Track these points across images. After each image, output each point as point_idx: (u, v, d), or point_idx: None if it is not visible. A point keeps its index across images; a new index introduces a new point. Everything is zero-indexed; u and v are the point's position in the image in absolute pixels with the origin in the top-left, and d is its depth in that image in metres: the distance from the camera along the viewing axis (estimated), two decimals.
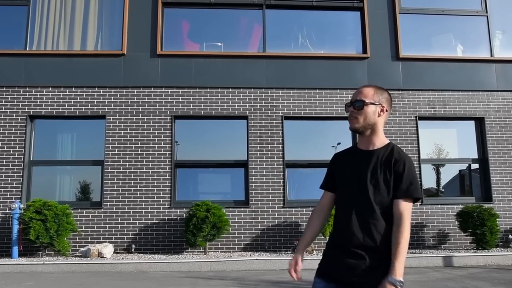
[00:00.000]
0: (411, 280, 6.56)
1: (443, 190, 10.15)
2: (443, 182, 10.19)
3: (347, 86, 9.82)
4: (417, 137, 9.77)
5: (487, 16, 10.43)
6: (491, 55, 10.26)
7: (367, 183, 2.28)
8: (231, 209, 9.17)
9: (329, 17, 10.32)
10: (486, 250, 8.75)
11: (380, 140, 2.36)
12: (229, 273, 7.29)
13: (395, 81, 9.92)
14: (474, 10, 10.48)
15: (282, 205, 9.31)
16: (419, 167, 9.64)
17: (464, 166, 10.12)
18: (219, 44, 10.03)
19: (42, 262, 7.56)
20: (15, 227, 8.22)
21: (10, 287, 6.19)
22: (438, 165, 10.08)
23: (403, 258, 2.13)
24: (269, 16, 10.04)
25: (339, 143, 9.85)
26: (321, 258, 2.45)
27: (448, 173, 10.24)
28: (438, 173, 10.11)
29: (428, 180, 9.98)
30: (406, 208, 2.22)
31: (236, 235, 9.16)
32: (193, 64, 9.65)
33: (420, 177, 9.59)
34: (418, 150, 9.73)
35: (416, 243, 9.35)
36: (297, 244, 2.56)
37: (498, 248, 9.07)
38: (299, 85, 9.75)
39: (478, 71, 10.17)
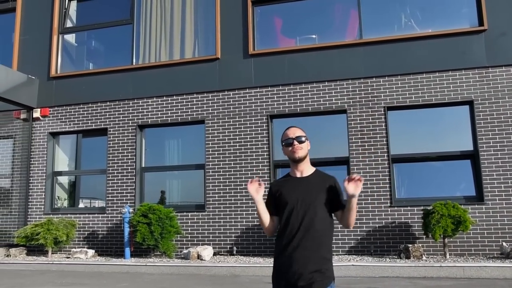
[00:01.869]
0: None
1: None
2: None
3: (460, 66, 8.54)
4: None
5: None
6: None
7: (314, 204, 2.91)
8: None
9: None
10: None
11: (310, 167, 3.07)
12: None
13: None
14: None
15: (389, 204, 8.47)
16: None
17: None
18: (313, 36, 9.55)
19: (145, 264, 8.00)
20: (126, 230, 8.86)
21: (106, 287, 6.64)
22: None
23: (355, 209, 2.91)
24: None
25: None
26: (274, 271, 2.90)
27: None
28: None
29: None
30: None
31: (340, 237, 8.59)
32: (286, 60, 9.34)
33: None
34: None
35: None
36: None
37: None
38: (402, 70, 8.78)
39: None
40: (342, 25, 9.51)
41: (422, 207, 8.14)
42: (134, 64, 10.14)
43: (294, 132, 3.06)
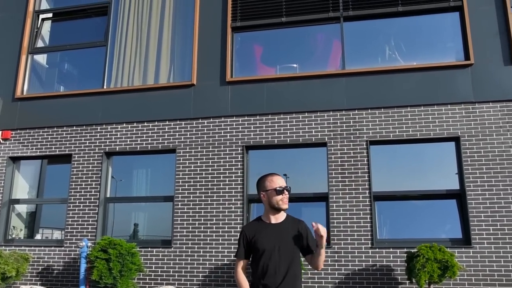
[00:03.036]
0: None
1: None
2: None
3: (446, 100, 8.14)
4: None
5: None
6: None
7: (290, 250, 3.14)
8: None
9: (420, 23, 8.81)
10: None
11: (283, 213, 3.30)
12: None
13: (511, 89, 7.97)
14: None
15: (370, 246, 7.83)
16: None
17: None
18: (294, 65, 9.14)
19: None
20: (82, 266, 8.06)
21: None
22: None
23: (323, 253, 3.18)
24: (348, 29, 8.91)
25: (456, 174, 8.06)
26: None
27: None
28: None
29: None
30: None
31: (316, 280, 7.89)
32: (265, 89, 8.87)
33: None
34: None
35: None
36: None
37: None
38: (386, 103, 8.35)
39: None
40: (324, 55, 9.13)
41: (405, 249, 7.53)
42: (105, 87, 9.59)
43: (283, 181, 3.24)
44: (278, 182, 3.23)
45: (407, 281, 7.40)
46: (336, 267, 7.88)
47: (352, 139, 8.37)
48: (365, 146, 8.28)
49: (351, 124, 8.43)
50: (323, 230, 3.08)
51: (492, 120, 7.93)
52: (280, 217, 3.28)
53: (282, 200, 3.21)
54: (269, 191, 3.21)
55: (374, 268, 7.74)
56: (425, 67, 8.34)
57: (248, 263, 3.33)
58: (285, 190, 3.20)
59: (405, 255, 7.40)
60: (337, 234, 7.99)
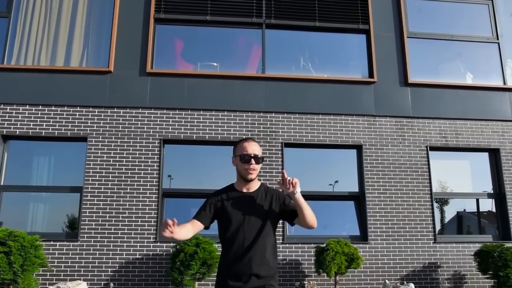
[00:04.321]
0: None
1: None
2: (451, 218, 9.39)
3: (352, 112, 9.08)
4: (429, 168, 8.96)
5: (498, 43, 9.90)
6: (504, 83, 9.65)
7: (261, 222, 2.85)
8: None
9: (333, 39, 9.69)
10: None
11: (256, 182, 3.06)
12: None
13: (404, 107, 9.22)
14: (484, 37, 9.94)
15: (281, 241, 8.34)
16: (431, 201, 8.80)
17: (481, 202, 9.31)
18: (215, 64, 9.30)
19: None
20: None
21: None
22: (448, 199, 9.27)
23: (306, 205, 2.88)
24: (269, 36, 9.38)
25: (336, 181, 8.96)
26: (218, 285, 2.88)
27: (458, 208, 9.44)
28: (443, 209, 9.28)
29: (437, 215, 9.11)
30: None
31: None
32: (185, 84, 8.87)
33: (433, 213, 8.74)
34: (430, 182, 8.90)
35: (430, 286, 8.39)
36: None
37: None
38: (300, 109, 8.99)
39: (491, 100, 9.53)
40: (244, 57, 9.46)
41: (312, 245, 8.20)
42: (5, 64, 8.62)
43: (254, 149, 2.96)
44: (246, 149, 2.90)
45: (314, 273, 8.07)
46: None
47: (268, 140, 8.83)
48: (280, 148, 8.80)
49: (268, 126, 8.89)
50: (291, 179, 2.84)
51: (388, 133, 9.07)
52: (253, 186, 3.01)
53: (246, 170, 2.90)
54: (237, 158, 2.95)
55: (284, 262, 8.26)
56: (336, 80, 9.19)
57: (199, 229, 3.00)
58: (252, 160, 2.87)
59: (313, 250, 8.06)
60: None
